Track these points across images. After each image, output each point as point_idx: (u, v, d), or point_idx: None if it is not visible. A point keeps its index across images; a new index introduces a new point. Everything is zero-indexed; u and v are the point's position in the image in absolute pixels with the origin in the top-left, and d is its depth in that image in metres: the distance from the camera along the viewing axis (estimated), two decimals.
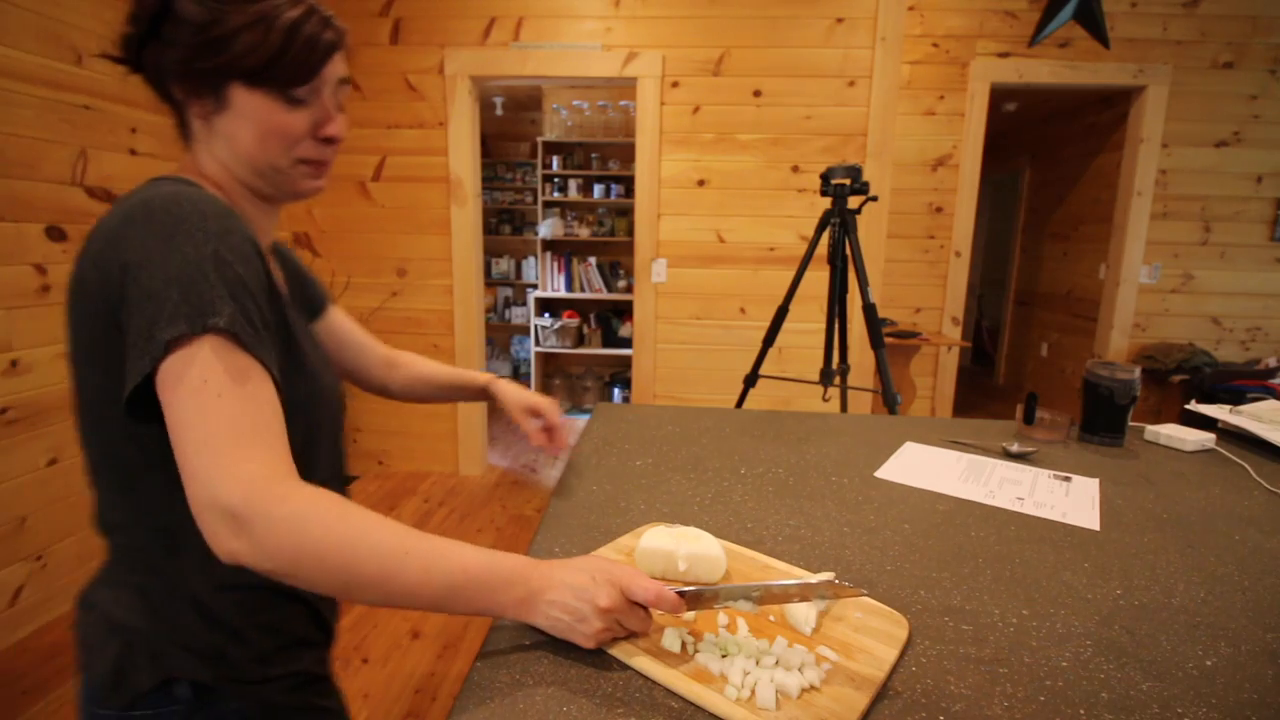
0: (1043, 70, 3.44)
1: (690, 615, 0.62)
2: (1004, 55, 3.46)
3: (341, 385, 0.79)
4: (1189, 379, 3.57)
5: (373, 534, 0.52)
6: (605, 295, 4.75)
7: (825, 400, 2.46)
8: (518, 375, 5.45)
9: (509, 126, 5.36)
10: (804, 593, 0.58)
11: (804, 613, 0.60)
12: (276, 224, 0.74)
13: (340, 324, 0.92)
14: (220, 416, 0.51)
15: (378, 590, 0.52)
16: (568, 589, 0.55)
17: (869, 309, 2.10)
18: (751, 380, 2.32)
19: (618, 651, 0.57)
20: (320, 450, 0.70)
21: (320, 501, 0.52)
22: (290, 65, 0.59)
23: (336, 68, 0.64)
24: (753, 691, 0.52)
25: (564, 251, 4.83)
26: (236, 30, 0.57)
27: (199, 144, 0.64)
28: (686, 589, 0.58)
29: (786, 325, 3.05)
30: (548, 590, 0.55)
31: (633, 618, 0.57)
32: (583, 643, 0.56)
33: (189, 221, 0.53)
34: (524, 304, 5.40)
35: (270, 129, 0.61)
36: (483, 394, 1.00)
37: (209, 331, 0.52)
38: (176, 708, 0.62)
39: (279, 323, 0.62)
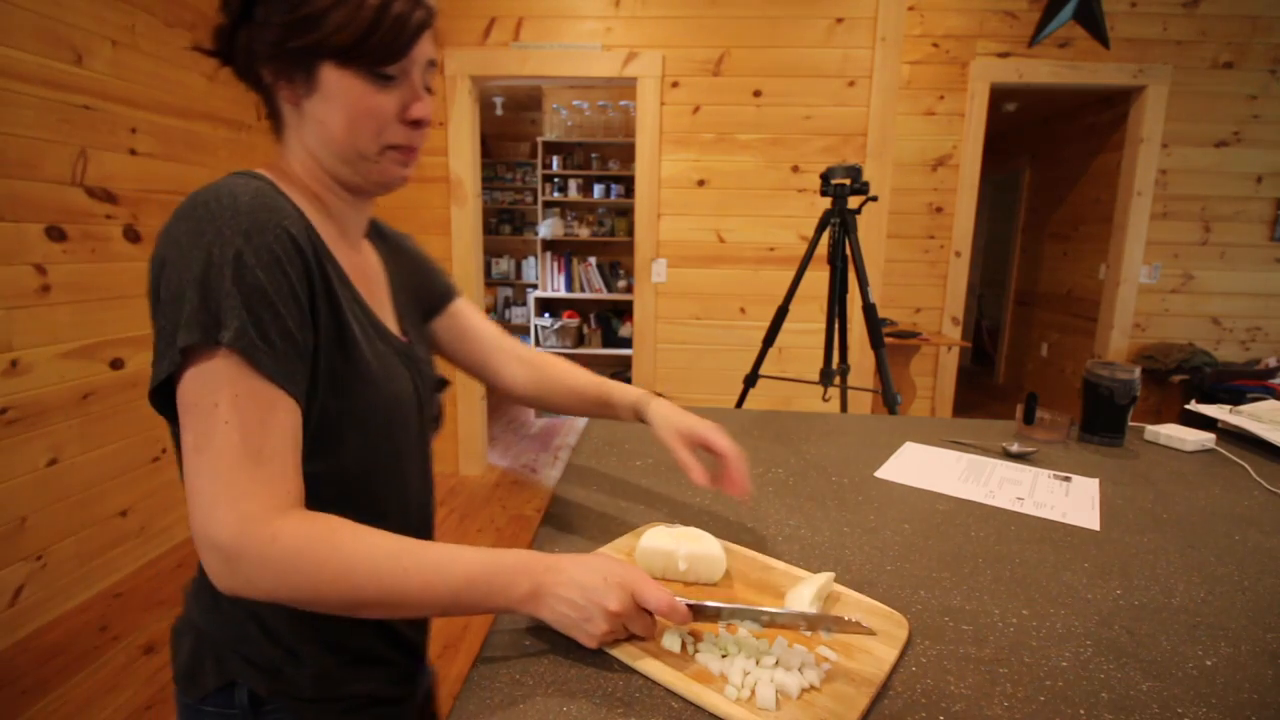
0: (1043, 70, 3.44)
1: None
2: (1004, 55, 3.46)
3: (426, 392, 0.73)
4: (1189, 379, 3.57)
5: (368, 558, 0.52)
6: (605, 295, 4.75)
7: (825, 400, 2.46)
8: None
9: (509, 126, 5.36)
10: (811, 624, 0.58)
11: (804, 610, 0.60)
12: (367, 220, 0.72)
13: (466, 318, 0.86)
14: (224, 445, 0.51)
15: (382, 610, 0.53)
16: (577, 587, 0.55)
17: (869, 309, 2.10)
18: (751, 380, 2.32)
19: (618, 652, 0.57)
20: (382, 459, 0.66)
21: (312, 536, 0.51)
22: (380, 43, 0.59)
23: (425, 48, 0.63)
24: (753, 691, 0.52)
25: (564, 251, 4.83)
26: (327, 7, 0.57)
27: (289, 131, 0.64)
28: (696, 603, 0.58)
29: (786, 325, 3.04)
30: (557, 585, 0.55)
31: (639, 624, 0.57)
32: (585, 641, 0.56)
33: (220, 218, 0.52)
34: (524, 304, 5.41)
35: (360, 111, 0.60)
36: (632, 413, 0.85)
37: (221, 345, 0.51)
38: (235, 712, 0.63)
39: (333, 324, 0.60)
